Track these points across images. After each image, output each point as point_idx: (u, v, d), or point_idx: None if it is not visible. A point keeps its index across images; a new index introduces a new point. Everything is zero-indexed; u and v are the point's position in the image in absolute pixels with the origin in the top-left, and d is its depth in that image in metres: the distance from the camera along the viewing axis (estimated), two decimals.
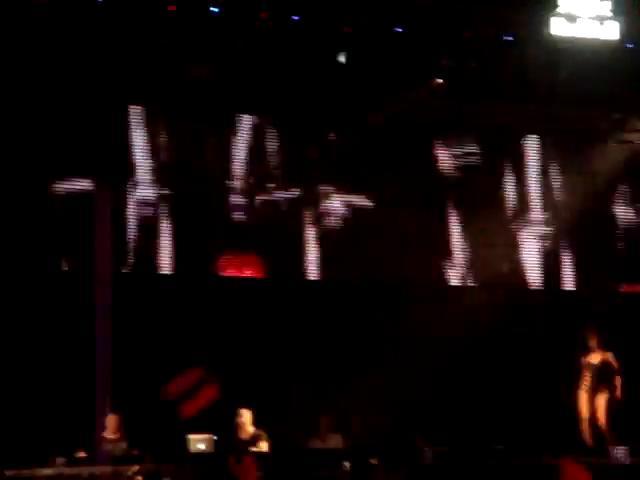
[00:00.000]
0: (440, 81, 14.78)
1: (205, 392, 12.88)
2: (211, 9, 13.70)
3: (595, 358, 13.24)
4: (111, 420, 12.93)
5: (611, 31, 14.46)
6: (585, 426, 13.31)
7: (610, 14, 14.44)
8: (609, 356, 13.18)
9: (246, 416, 12.59)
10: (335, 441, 13.79)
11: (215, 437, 12.20)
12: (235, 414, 12.68)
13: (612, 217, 15.94)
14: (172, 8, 13.64)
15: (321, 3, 13.97)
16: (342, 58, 14.28)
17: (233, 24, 13.80)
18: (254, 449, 12.50)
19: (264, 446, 12.56)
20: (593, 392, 13.17)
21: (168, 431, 12.97)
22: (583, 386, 13.27)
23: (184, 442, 12.17)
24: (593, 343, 13.24)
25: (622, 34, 14.41)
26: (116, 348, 13.62)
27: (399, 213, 15.08)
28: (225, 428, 12.56)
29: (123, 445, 12.72)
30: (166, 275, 14.30)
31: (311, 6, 14.02)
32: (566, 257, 15.69)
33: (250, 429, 12.59)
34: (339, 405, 14.09)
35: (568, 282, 15.61)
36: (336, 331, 14.57)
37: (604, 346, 13.22)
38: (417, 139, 15.30)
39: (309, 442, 13.76)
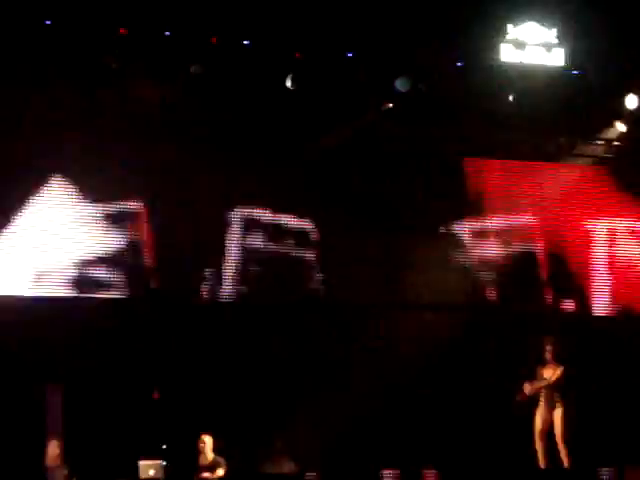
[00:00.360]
0: (390, 105, 14.88)
1: None
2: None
3: (550, 372, 13.38)
4: (51, 447, 12.71)
5: (557, 58, 14.77)
6: (538, 441, 13.41)
7: (556, 41, 14.74)
8: (562, 370, 13.32)
9: (207, 442, 12.54)
10: (288, 466, 13.76)
11: (164, 463, 12.13)
12: (197, 440, 12.61)
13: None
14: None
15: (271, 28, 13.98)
16: (289, 83, 14.32)
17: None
18: (209, 475, 12.47)
19: (221, 472, 12.55)
20: (549, 406, 13.32)
21: (116, 456, 12.86)
22: (539, 401, 13.39)
23: (133, 468, 12.05)
24: (549, 356, 13.39)
25: (567, 60, 14.70)
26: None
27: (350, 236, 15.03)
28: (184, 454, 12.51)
29: (63, 472, 12.55)
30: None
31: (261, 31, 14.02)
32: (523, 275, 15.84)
33: (210, 455, 12.57)
34: (292, 429, 14.04)
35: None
36: (288, 353, 14.51)
37: (558, 360, 13.35)
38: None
39: (263, 467, 13.73)
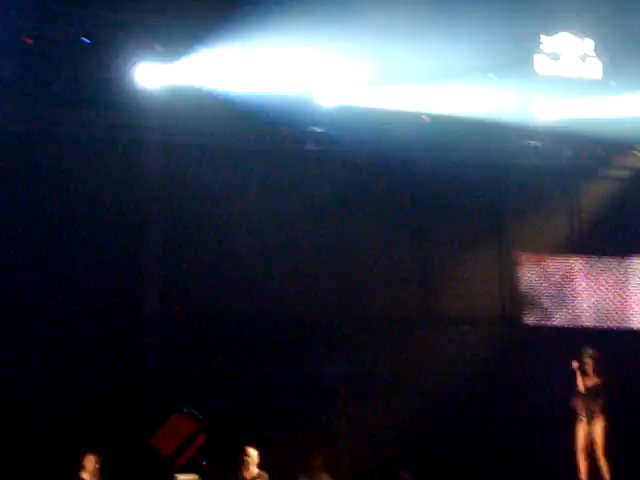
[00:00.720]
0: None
1: (196, 442, 12.90)
2: None
3: (590, 384, 13.50)
4: (88, 461, 12.86)
5: (594, 69, 14.87)
6: (581, 457, 13.49)
7: (593, 53, 14.84)
8: (601, 383, 13.44)
9: (252, 456, 12.72)
10: None
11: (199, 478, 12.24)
12: (242, 452, 12.76)
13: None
14: None
15: None
16: None
17: None
18: None
19: None
20: (589, 420, 13.41)
21: (152, 472, 12.99)
22: (580, 415, 13.48)
23: None
24: (589, 369, 13.51)
25: (605, 72, 14.81)
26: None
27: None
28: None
29: None
30: None
31: None
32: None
33: (254, 469, 12.75)
34: (328, 445, 14.19)
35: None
36: (323, 369, 14.66)
37: (598, 372, 13.49)
38: None
39: None
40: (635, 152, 16.19)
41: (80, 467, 12.81)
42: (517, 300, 15.75)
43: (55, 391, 13.57)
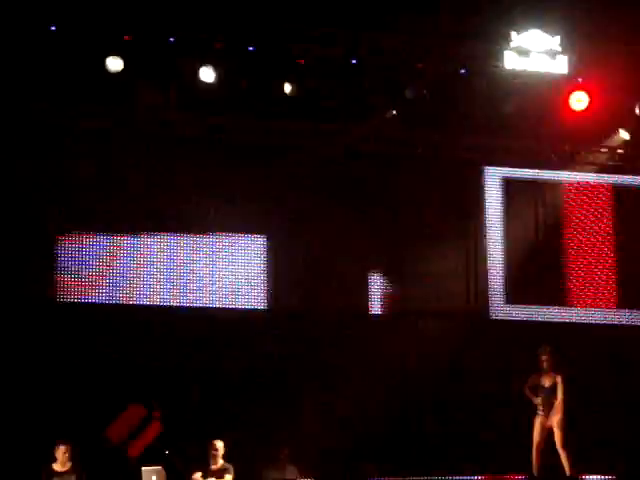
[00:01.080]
0: (394, 113, 15.42)
1: (150, 430, 13.39)
2: None
3: (547, 380, 13.88)
4: (60, 451, 13.13)
5: (561, 65, 15.27)
6: (534, 450, 13.90)
7: (560, 49, 15.22)
8: (560, 378, 13.82)
9: (219, 448, 13.07)
10: (291, 473, 14.27)
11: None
12: (209, 445, 13.14)
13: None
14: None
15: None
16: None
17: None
18: None
19: (228, 478, 13.06)
20: (548, 413, 13.79)
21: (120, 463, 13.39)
22: (538, 410, 13.89)
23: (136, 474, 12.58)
24: (545, 365, 13.88)
25: (570, 68, 15.21)
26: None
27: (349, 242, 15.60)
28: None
29: (72, 478, 13.04)
30: None
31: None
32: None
33: (220, 461, 13.09)
34: (294, 435, 14.57)
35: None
36: (291, 361, 15.04)
37: (555, 368, 13.86)
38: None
39: (267, 473, 14.24)
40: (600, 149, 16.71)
41: (51, 457, 13.10)
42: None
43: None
